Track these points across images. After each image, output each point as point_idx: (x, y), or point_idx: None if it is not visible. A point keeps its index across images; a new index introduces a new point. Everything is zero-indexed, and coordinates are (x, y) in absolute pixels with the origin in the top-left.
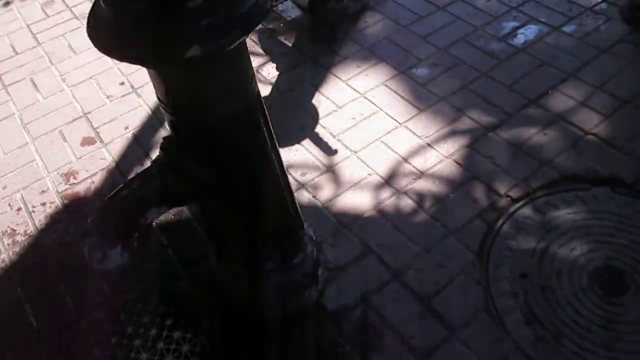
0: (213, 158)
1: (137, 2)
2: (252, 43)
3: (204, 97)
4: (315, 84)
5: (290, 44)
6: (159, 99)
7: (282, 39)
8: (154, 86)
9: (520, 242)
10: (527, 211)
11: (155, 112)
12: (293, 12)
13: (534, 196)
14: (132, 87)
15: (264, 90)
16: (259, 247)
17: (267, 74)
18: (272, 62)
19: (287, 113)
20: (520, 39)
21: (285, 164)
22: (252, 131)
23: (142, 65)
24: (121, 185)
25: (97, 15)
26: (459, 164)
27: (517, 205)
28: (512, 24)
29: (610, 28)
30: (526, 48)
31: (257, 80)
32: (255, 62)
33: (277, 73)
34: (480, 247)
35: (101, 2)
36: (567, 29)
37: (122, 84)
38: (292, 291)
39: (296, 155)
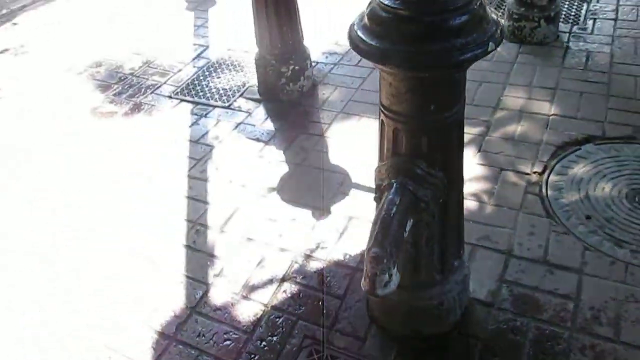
0: (441, 163)
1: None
2: (235, 135)
3: (438, 105)
4: (320, 148)
5: (273, 129)
6: (390, 110)
7: (261, 128)
8: (388, 98)
9: (567, 197)
10: (554, 177)
11: None
12: (248, 105)
13: (550, 165)
14: None
15: (281, 169)
16: (449, 257)
17: (271, 155)
18: (268, 145)
19: (319, 177)
20: None
21: (357, 211)
22: (462, 141)
23: (412, 71)
24: (380, 207)
25: (378, 35)
26: (485, 165)
27: (545, 176)
28: None
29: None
30: None
31: (267, 162)
32: (254, 147)
33: (281, 151)
34: (546, 211)
35: (383, 27)
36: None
37: None
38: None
39: (360, 204)
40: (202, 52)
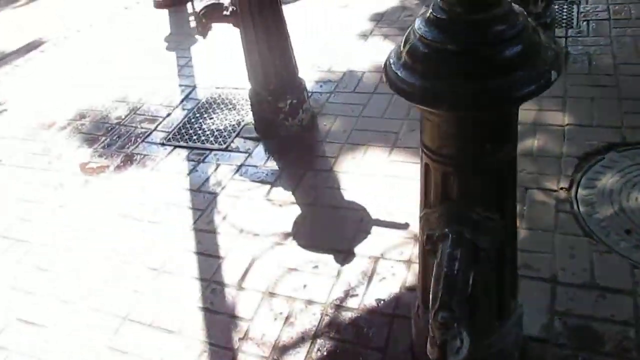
0: (497, 205)
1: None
2: (238, 179)
3: (493, 145)
4: (331, 185)
5: (278, 168)
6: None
7: (265, 169)
8: (435, 141)
9: (602, 212)
10: (583, 191)
11: None
12: (247, 145)
13: (576, 179)
14: None
15: (292, 211)
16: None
17: (280, 197)
18: (275, 186)
19: (335, 216)
20: None
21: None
22: (516, 178)
23: (467, 112)
24: (439, 263)
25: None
26: None
27: (573, 191)
28: None
29: None
30: None
31: (277, 206)
32: (260, 190)
33: (289, 192)
34: (582, 230)
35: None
36: None
37: None
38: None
39: (384, 242)
40: (190, 93)
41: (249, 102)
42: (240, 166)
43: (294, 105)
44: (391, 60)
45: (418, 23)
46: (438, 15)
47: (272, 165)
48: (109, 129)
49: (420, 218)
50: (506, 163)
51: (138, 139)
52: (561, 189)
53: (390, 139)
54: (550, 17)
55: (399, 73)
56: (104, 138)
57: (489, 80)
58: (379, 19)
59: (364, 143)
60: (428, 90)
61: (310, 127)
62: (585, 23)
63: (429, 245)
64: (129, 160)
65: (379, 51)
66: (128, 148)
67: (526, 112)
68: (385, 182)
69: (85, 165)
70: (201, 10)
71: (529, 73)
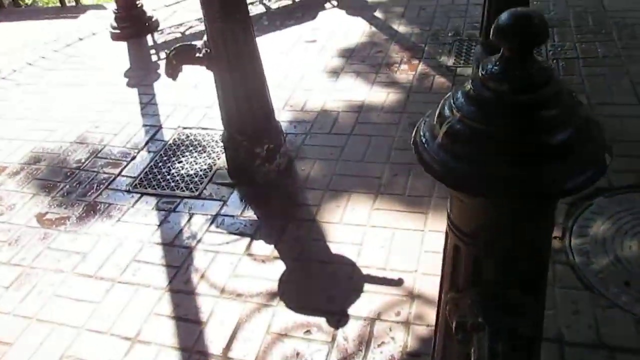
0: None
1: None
2: (214, 231)
3: (534, 229)
4: (316, 236)
5: (257, 218)
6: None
7: (243, 219)
8: (469, 224)
9: (598, 263)
10: (576, 240)
11: None
12: (221, 192)
13: (568, 227)
14: None
15: (277, 268)
16: None
17: (262, 251)
18: (255, 239)
19: (323, 272)
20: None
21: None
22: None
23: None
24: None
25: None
26: None
27: (566, 240)
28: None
29: None
30: None
31: (260, 262)
32: (240, 244)
33: (271, 246)
34: (582, 282)
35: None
36: None
37: None
38: None
39: (379, 301)
40: (155, 134)
41: (222, 146)
42: (215, 216)
43: (271, 150)
44: (424, 138)
45: (458, 99)
46: (480, 93)
47: (250, 215)
48: (68, 174)
49: (446, 302)
50: (546, 243)
51: (101, 186)
52: (554, 237)
53: (374, 185)
54: None
55: (436, 155)
56: (62, 185)
57: (539, 169)
58: (349, 55)
59: (346, 189)
60: (472, 178)
61: (288, 172)
62: (554, 61)
63: (460, 335)
64: (91, 210)
65: (352, 90)
66: (90, 196)
67: None
68: (373, 233)
69: (42, 217)
70: (171, 51)
71: (583, 160)
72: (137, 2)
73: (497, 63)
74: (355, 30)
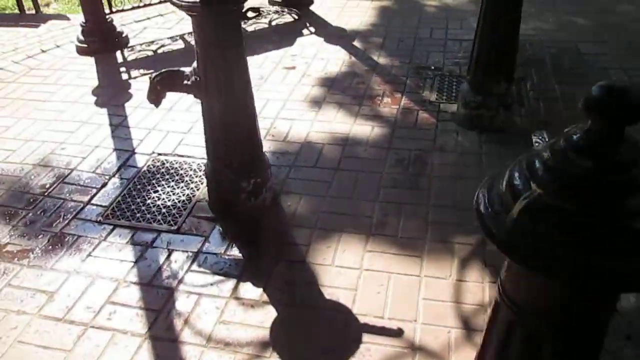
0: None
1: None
2: (196, 270)
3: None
4: (307, 280)
5: (242, 257)
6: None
7: (227, 258)
8: (530, 297)
9: None
10: None
11: None
12: (202, 227)
13: None
14: None
15: (268, 314)
16: None
17: (250, 294)
18: (242, 281)
19: (317, 319)
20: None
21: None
22: None
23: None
24: None
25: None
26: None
27: None
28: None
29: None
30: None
31: (249, 307)
32: (226, 286)
33: (260, 289)
34: None
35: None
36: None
37: None
38: None
39: (378, 353)
40: (128, 159)
41: (202, 176)
42: (197, 253)
43: (258, 184)
44: (492, 209)
45: (535, 169)
46: (564, 167)
47: (235, 253)
48: (31, 200)
49: None
50: (609, 315)
51: (68, 215)
52: None
53: (365, 225)
54: (512, 97)
55: (512, 233)
56: (25, 212)
57: (630, 259)
58: (330, 84)
59: (336, 229)
60: (561, 263)
61: (274, 207)
62: (536, 101)
63: None
64: (58, 242)
65: (336, 122)
66: (56, 226)
67: None
68: (368, 277)
69: (2, 248)
70: (156, 76)
71: None
72: (107, 17)
73: (584, 136)
74: (334, 58)
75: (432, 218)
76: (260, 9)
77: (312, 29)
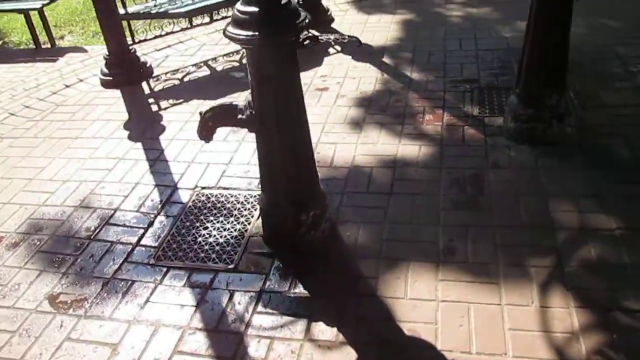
0: None
1: None
2: (263, 312)
3: None
4: (383, 315)
5: (309, 295)
6: None
7: (292, 297)
8: None
9: None
10: None
11: None
12: (261, 263)
13: None
14: None
15: (348, 357)
16: None
17: (324, 334)
18: (313, 321)
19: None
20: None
21: None
22: None
23: None
24: None
25: None
26: (584, 307)
27: None
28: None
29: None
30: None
31: (326, 348)
32: (297, 327)
33: (334, 328)
34: None
35: None
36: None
37: None
38: None
39: None
40: (171, 195)
41: (253, 210)
42: (260, 293)
43: (316, 216)
44: None
45: None
46: None
47: (300, 290)
48: (78, 245)
49: None
50: None
51: (119, 258)
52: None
53: (431, 252)
54: (564, 108)
55: None
56: (72, 258)
57: None
58: (367, 104)
59: (402, 258)
60: None
61: (333, 238)
62: (583, 110)
63: None
64: (112, 289)
65: (380, 143)
66: (108, 271)
67: (567, 215)
68: (446, 309)
69: (55, 299)
70: (207, 111)
71: None
72: (130, 47)
73: None
74: (366, 77)
75: (500, 240)
76: (319, 37)
77: (338, 47)
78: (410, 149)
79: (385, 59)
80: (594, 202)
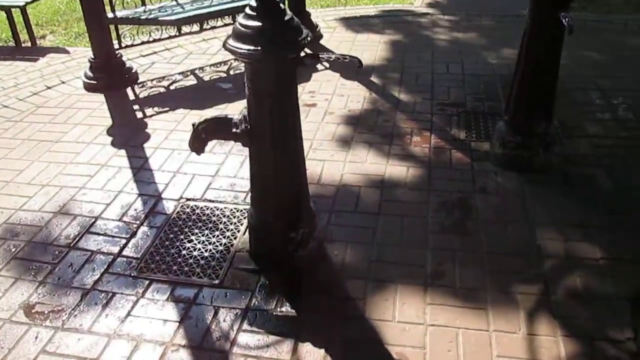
0: None
1: None
2: (249, 331)
3: None
4: (371, 338)
5: (295, 313)
6: None
7: (280, 315)
8: None
9: None
10: None
11: None
12: (247, 280)
13: (638, 326)
14: None
15: None
16: None
17: (312, 356)
18: (300, 341)
19: None
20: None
21: None
22: None
23: None
24: None
25: None
26: (570, 336)
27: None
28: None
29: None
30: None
31: None
32: (284, 347)
33: (322, 350)
34: None
35: None
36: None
37: None
38: None
39: None
40: (155, 205)
41: (240, 225)
42: (245, 310)
43: (306, 235)
44: None
45: None
46: None
47: (287, 309)
48: (56, 253)
49: None
50: None
51: (99, 269)
52: (628, 339)
53: (419, 275)
54: (552, 137)
55: None
56: (50, 267)
57: None
58: (355, 122)
59: (390, 279)
60: None
61: (321, 257)
62: (568, 139)
63: None
64: (92, 300)
65: (368, 163)
66: (87, 281)
67: (553, 243)
68: (434, 333)
69: (31, 309)
70: (200, 123)
71: None
72: (116, 52)
73: None
74: (354, 95)
75: (488, 266)
76: (320, 56)
77: (327, 64)
78: (398, 170)
79: (374, 78)
80: (579, 232)
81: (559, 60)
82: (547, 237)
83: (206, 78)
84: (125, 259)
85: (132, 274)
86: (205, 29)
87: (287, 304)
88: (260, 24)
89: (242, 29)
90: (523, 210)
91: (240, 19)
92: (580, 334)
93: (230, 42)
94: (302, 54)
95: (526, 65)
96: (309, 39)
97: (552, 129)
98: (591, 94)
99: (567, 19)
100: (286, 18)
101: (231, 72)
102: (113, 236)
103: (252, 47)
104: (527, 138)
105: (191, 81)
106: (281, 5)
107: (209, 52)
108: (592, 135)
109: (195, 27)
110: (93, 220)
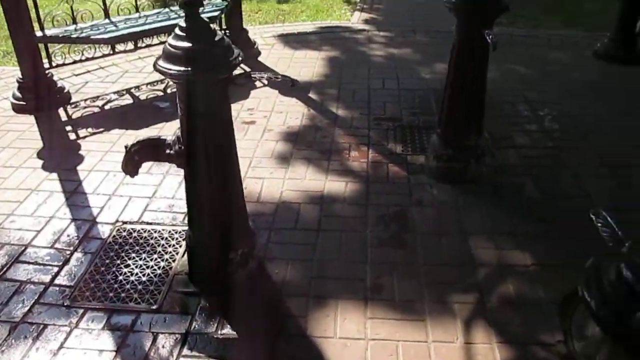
0: None
1: None
2: (190, 357)
3: None
4: (314, 355)
5: (237, 336)
6: None
7: (220, 336)
8: None
9: None
10: (579, 343)
11: None
12: (186, 303)
13: (566, 329)
14: None
15: None
16: None
17: None
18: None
19: None
20: None
21: None
22: None
23: None
24: None
25: None
26: (505, 342)
27: (570, 344)
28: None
29: None
30: None
31: None
32: None
33: None
34: None
35: None
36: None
37: None
38: None
39: None
40: (89, 230)
41: (178, 247)
42: (185, 335)
43: (245, 255)
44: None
45: None
46: None
47: (228, 331)
48: None
49: None
50: None
51: (29, 300)
52: (558, 342)
53: (359, 289)
54: (482, 149)
55: None
56: None
57: None
58: (294, 139)
59: (331, 295)
60: None
61: (260, 276)
62: (498, 151)
63: None
64: (21, 334)
65: (308, 179)
66: (16, 313)
67: (486, 252)
68: (375, 347)
69: None
70: (133, 145)
71: None
72: (47, 71)
73: None
74: (293, 111)
75: (425, 278)
76: (252, 75)
77: (265, 81)
78: (337, 185)
79: (312, 95)
80: (510, 239)
81: (486, 75)
82: (480, 246)
83: (143, 97)
84: (57, 288)
85: (65, 304)
86: (141, 47)
87: (228, 326)
88: (190, 44)
89: (172, 49)
90: (457, 222)
91: (170, 39)
92: (514, 339)
93: (161, 62)
94: (236, 72)
95: (455, 79)
96: (240, 58)
97: (483, 141)
98: (519, 106)
99: (490, 36)
100: (216, 38)
101: (168, 91)
102: (44, 264)
103: (182, 68)
104: (459, 150)
105: (127, 100)
106: (211, 25)
107: (145, 70)
108: (520, 146)
109: (130, 45)
110: (22, 248)
